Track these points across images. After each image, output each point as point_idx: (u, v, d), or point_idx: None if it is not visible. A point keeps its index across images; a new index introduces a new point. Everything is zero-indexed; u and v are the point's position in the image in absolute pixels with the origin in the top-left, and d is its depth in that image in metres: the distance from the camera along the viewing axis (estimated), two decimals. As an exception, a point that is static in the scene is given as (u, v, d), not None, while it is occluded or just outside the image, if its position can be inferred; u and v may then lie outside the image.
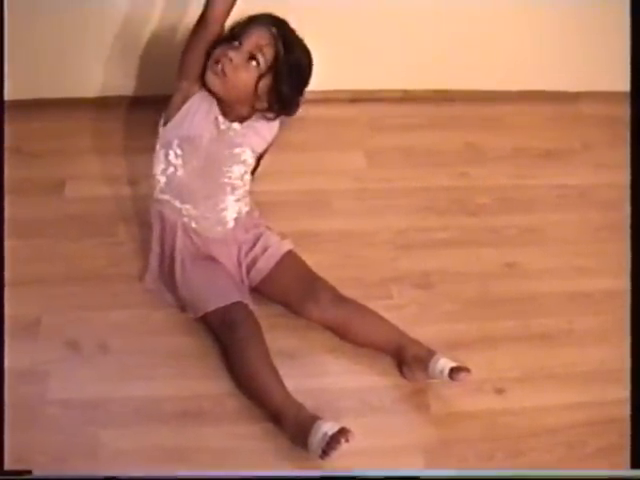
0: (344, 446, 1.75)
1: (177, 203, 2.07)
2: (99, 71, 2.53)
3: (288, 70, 1.96)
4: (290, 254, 2.16)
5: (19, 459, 1.81)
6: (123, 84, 2.59)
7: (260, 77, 1.95)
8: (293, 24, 1.99)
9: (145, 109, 2.53)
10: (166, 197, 2.08)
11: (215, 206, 2.09)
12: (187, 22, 2.16)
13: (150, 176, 2.09)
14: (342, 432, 1.76)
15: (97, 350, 2.04)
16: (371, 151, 2.64)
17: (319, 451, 1.78)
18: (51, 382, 1.97)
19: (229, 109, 2.02)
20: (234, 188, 2.09)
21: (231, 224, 2.12)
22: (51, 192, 2.39)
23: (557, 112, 2.87)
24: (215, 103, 2.01)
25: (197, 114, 2.01)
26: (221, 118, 2.02)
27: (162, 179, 2.07)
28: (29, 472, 1.63)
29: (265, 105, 2.02)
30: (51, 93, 2.57)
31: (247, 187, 2.14)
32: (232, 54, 1.92)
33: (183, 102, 2.01)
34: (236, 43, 1.93)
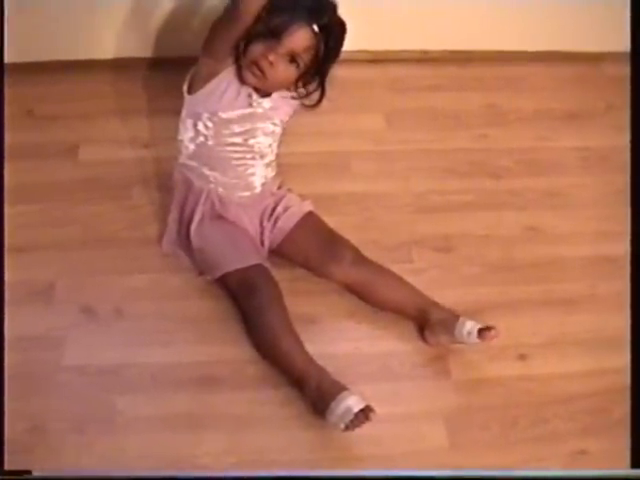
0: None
1: (205, 170, 2.04)
2: (115, 33, 2.49)
3: (328, 57, 1.90)
4: (311, 215, 2.14)
5: (35, 428, 1.82)
6: (139, 46, 2.55)
7: (301, 75, 1.90)
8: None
9: (161, 71, 2.52)
10: (194, 163, 2.05)
11: (244, 172, 2.06)
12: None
13: (167, 138, 2.07)
14: (366, 410, 1.74)
15: (113, 315, 2.02)
16: (391, 113, 2.59)
17: (341, 425, 1.76)
18: (66, 348, 1.95)
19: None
20: (263, 155, 2.06)
21: (259, 189, 2.10)
22: (65, 156, 2.35)
23: (579, 73, 2.81)
24: None
25: (228, 91, 1.94)
26: (254, 95, 1.96)
27: (191, 146, 2.03)
28: (29, 472, 1.62)
29: (304, 91, 1.98)
30: (66, 55, 2.53)
31: (275, 152, 2.11)
32: (272, 57, 1.82)
33: (210, 76, 1.92)
34: (275, 41, 1.81)
